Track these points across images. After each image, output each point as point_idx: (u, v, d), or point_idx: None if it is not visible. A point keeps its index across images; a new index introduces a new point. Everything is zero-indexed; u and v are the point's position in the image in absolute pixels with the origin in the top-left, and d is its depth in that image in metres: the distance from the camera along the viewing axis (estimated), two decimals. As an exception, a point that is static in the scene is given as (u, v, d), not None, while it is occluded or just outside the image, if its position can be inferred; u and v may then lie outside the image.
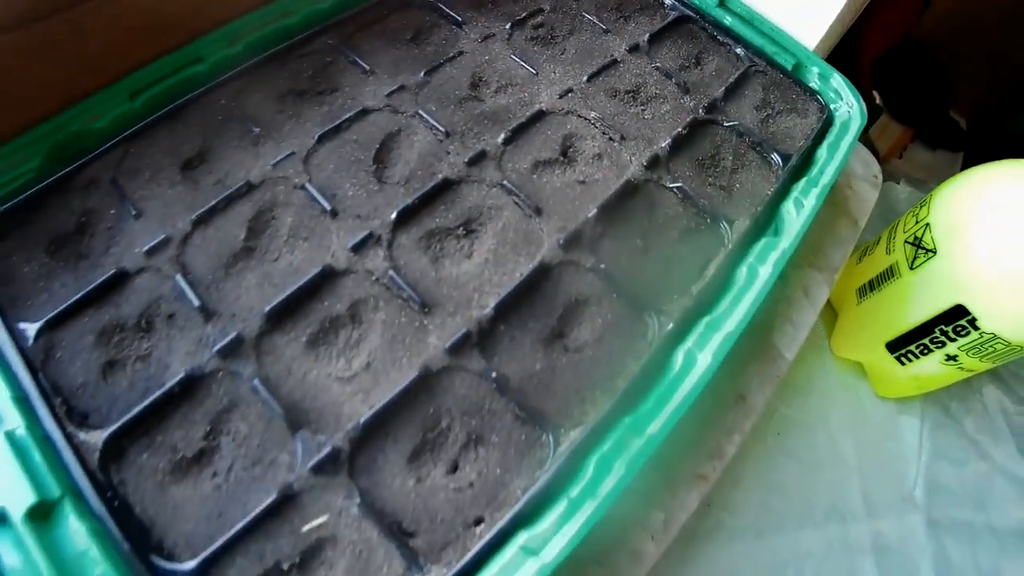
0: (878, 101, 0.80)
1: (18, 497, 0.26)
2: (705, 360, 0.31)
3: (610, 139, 0.38)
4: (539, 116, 0.38)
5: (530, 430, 0.29)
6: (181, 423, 0.29)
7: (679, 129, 0.39)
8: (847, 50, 0.75)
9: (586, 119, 0.39)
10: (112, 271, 0.31)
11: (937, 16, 0.81)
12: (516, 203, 0.35)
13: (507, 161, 0.36)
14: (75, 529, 0.26)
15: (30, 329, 0.30)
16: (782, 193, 0.38)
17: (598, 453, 0.28)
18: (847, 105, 0.42)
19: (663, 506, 0.37)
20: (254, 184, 0.34)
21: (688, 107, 0.40)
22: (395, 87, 0.38)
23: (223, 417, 0.29)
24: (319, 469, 0.28)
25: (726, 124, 0.40)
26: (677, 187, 0.37)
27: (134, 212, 0.33)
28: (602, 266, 0.33)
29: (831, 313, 0.67)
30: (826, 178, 0.38)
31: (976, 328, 0.49)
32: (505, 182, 0.35)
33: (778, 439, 0.60)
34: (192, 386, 0.29)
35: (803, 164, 0.40)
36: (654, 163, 0.37)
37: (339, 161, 0.35)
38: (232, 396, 0.29)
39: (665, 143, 0.38)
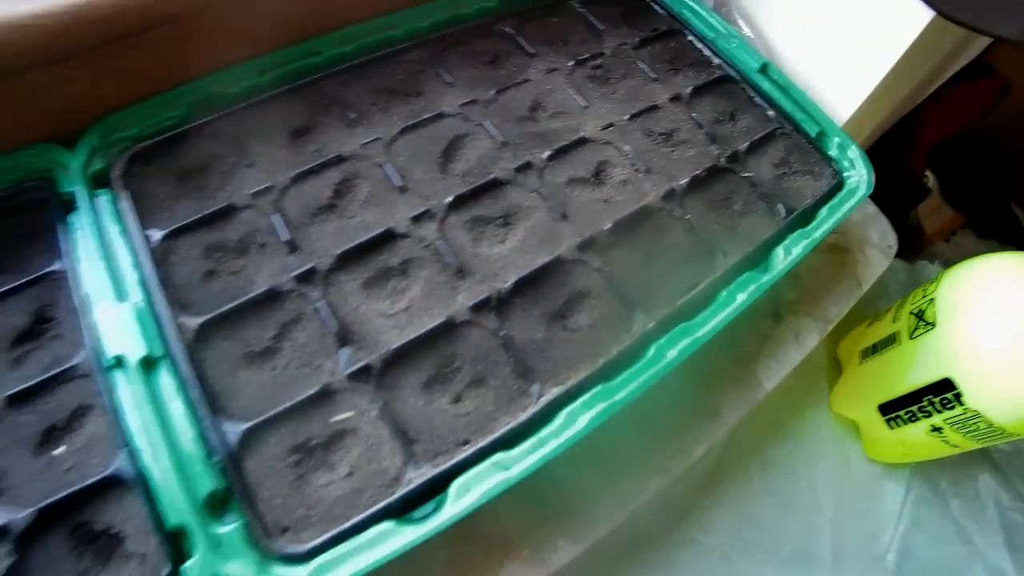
0: (930, 183, 0.82)
1: (134, 349, 0.34)
2: (671, 355, 0.37)
3: (636, 170, 0.45)
4: (581, 142, 0.46)
5: (522, 382, 0.36)
6: (257, 325, 0.37)
7: (698, 172, 0.46)
8: (907, 128, 0.78)
9: (620, 151, 0.46)
10: (224, 204, 0.40)
11: (1010, 109, 0.82)
12: (548, 208, 0.42)
13: (547, 174, 0.44)
14: (167, 382, 0.34)
15: (156, 234, 0.39)
16: (777, 239, 0.44)
17: (569, 407, 0.35)
18: (858, 175, 0.48)
19: (625, 484, 0.43)
20: (344, 157, 0.42)
21: (712, 155, 0.47)
22: (469, 99, 0.46)
23: (289, 327, 0.37)
24: (353, 377, 0.35)
25: (743, 175, 0.47)
26: (686, 218, 0.44)
27: (248, 162, 0.42)
28: (607, 269, 0.41)
29: (836, 372, 0.70)
30: (819, 233, 0.44)
31: (961, 403, 0.52)
32: (542, 190, 0.43)
33: (762, 475, 0.64)
34: (270, 299, 0.37)
35: (805, 219, 0.45)
36: (670, 196, 0.44)
37: (414, 150, 0.43)
38: (299, 312, 0.37)
39: (684, 181, 0.45)
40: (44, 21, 0.36)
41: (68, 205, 0.40)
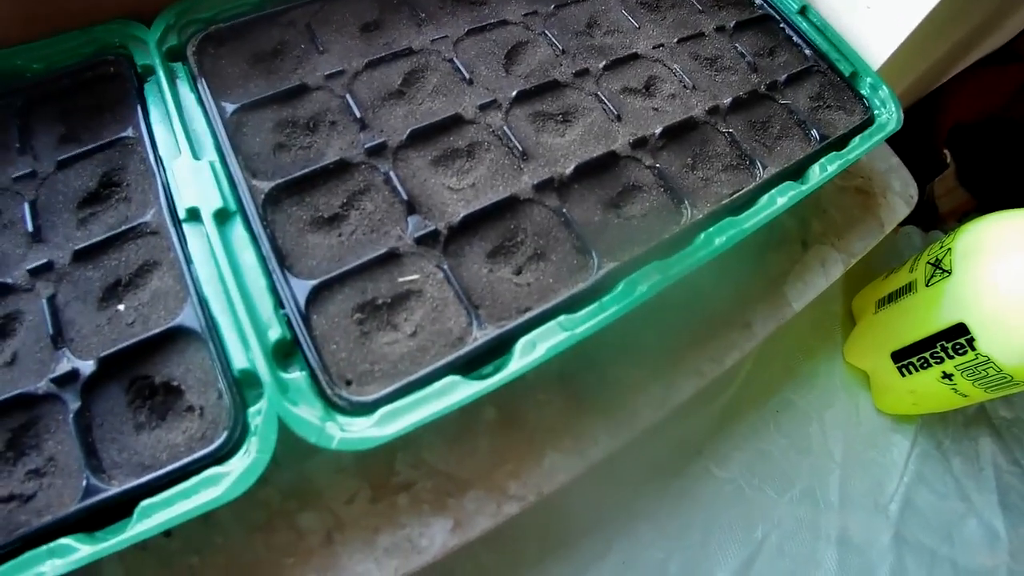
0: (948, 160, 0.84)
1: (209, 202, 0.36)
2: (720, 241, 0.39)
3: (684, 86, 0.47)
4: (634, 57, 0.48)
5: (580, 257, 0.38)
6: (326, 193, 0.38)
7: (740, 94, 0.48)
8: (931, 104, 0.81)
9: (669, 68, 0.48)
10: (296, 83, 0.41)
11: None
12: (603, 110, 0.44)
13: (603, 81, 0.46)
14: (239, 235, 0.36)
15: (229, 108, 0.40)
16: (814, 158, 0.46)
17: (626, 280, 0.37)
18: (887, 113, 0.50)
19: (664, 382, 0.45)
20: (414, 50, 0.44)
21: (753, 82, 0.49)
22: (531, 10, 0.48)
23: (358, 196, 0.38)
24: (421, 241, 0.37)
25: (781, 102, 0.49)
26: (728, 132, 0.46)
27: (320, 49, 0.43)
28: (658, 166, 0.42)
29: (850, 325, 0.73)
30: (852, 155, 0.46)
31: (973, 348, 0.54)
32: (599, 93, 0.45)
33: (776, 416, 0.66)
34: (340, 169, 0.39)
35: (838, 146, 0.47)
36: (714, 111, 0.46)
37: (479, 51, 0.45)
38: (368, 182, 0.39)
39: (727, 100, 0.47)
40: None
41: (143, 79, 0.42)
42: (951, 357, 0.57)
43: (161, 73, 0.40)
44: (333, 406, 0.32)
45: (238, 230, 0.36)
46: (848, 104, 0.51)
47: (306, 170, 0.38)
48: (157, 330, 0.33)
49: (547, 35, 0.47)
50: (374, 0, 0.46)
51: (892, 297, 0.65)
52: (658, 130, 0.44)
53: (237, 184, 0.37)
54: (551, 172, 0.40)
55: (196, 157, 0.38)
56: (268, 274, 0.35)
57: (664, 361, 0.45)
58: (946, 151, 0.83)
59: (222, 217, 0.36)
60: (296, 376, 0.32)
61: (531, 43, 0.47)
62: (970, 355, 0.55)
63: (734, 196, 0.42)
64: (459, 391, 0.32)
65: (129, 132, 0.40)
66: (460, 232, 0.38)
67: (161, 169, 0.38)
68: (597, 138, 0.43)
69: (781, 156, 0.46)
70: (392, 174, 0.38)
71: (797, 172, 0.45)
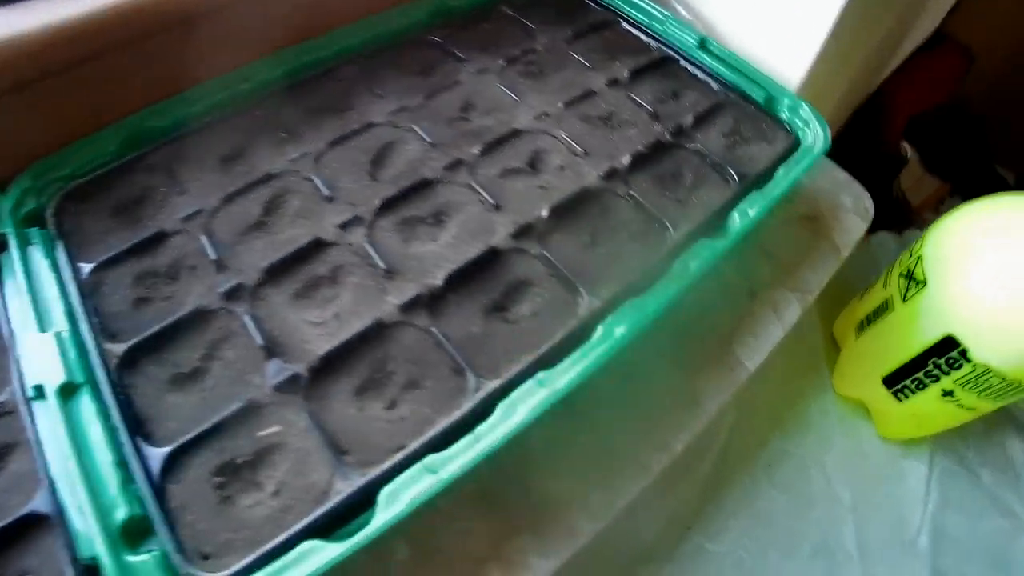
0: (908, 154, 0.82)
1: (53, 377, 0.34)
2: (620, 332, 0.35)
3: (574, 154, 0.44)
4: (514, 134, 0.45)
5: (459, 379, 0.35)
6: (185, 346, 0.36)
7: (640, 149, 0.45)
8: (879, 103, 0.79)
9: (555, 137, 0.45)
10: (155, 231, 0.40)
11: (984, 77, 0.84)
12: (480, 201, 0.41)
13: (479, 168, 0.43)
14: (87, 409, 0.33)
15: (87, 268, 0.38)
16: (732, 204, 0.42)
17: (508, 400, 0.33)
18: (813, 133, 0.47)
19: (603, 487, 0.41)
20: (273, 174, 0.42)
21: (655, 132, 0.46)
22: (398, 108, 0.46)
23: (218, 345, 0.36)
24: (280, 388, 0.34)
25: (690, 147, 0.46)
26: (631, 196, 0.43)
27: (179, 190, 0.42)
28: (546, 254, 0.39)
29: (836, 353, 0.68)
30: (777, 191, 0.42)
31: (968, 360, 0.49)
32: (472, 183, 0.42)
33: (769, 471, 0.61)
34: (198, 318, 0.37)
35: (762, 182, 0.44)
36: (612, 175, 0.43)
37: (343, 162, 0.43)
38: (227, 329, 0.36)
39: (625, 159, 0.44)
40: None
41: (-1, 248, 0.41)
42: (947, 373, 0.52)
43: (13, 244, 0.39)
44: (186, 585, 0.29)
45: (86, 404, 0.33)
46: (768, 133, 0.48)
47: (162, 325, 0.36)
48: (10, 519, 0.31)
49: (415, 130, 0.45)
50: (234, 128, 0.44)
51: (871, 318, 0.60)
52: (544, 211, 0.41)
53: (88, 352, 0.35)
54: (419, 287, 0.37)
55: (44, 329, 0.36)
56: (118, 447, 0.32)
57: (601, 463, 0.41)
58: (905, 144, 0.82)
59: (67, 392, 0.33)
60: (145, 558, 0.30)
61: (399, 142, 0.44)
62: (967, 368, 0.50)
63: (640, 270, 0.39)
64: (319, 556, 0.29)
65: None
66: (323, 371, 0.35)
67: (14, 345, 0.36)
68: (474, 235, 0.40)
69: (695, 209, 0.43)
70: (248, 317, 0.36)
71: (715, 225, 0.42)
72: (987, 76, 0.83)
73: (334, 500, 0.31)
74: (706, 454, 0.60)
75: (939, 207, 0.86)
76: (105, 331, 0.36)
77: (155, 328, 0.36)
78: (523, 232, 0.40)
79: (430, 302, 0.37)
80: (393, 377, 0.35)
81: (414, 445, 0.32)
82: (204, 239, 0.39)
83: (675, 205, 0.43)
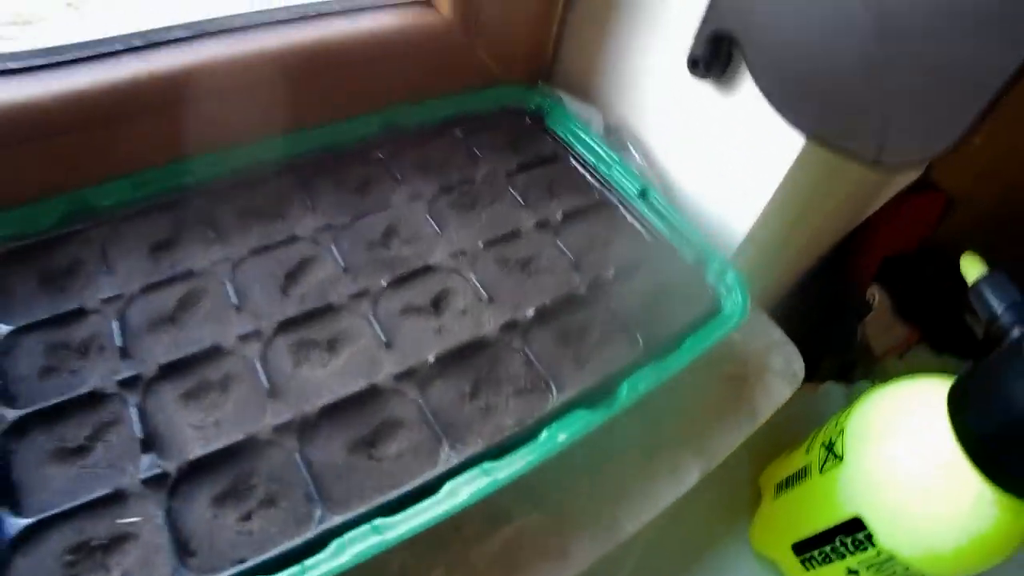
0: (875, 300, 0.81)
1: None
2: (463, 494, 0.38)
3: (479, 299, 0.48)
4: (426, 269, 0.49)
5: (310, 506, 0.39)
6: (76, 423, 0.40)
7: (547, 302, 0.48)
8: (855, 245, 0.80)
9: (465, 279, 0.49)
10: (77, 305, 0.44)
11: (961, 224, 0.83)
12: (373, 335, 0.45)
13: (384, 301, 0.47)
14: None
15: (5, 329, 0.42)
16: (627, 373, 0.43)
17: (345, 538, 0.37)
18: (732, 302, 0.48)
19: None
20: (195, 272, 0.46)
21: (572, 283, 0.49)
22: (324, 224, 0.50)
23: (106, 428, 0.40)
24: (148, 482, 0.38)
25: (605, 303, 0.48)
26: (524, 352, 0.46)
27: (107, 270, 0.46)
28: (421, 401, 0.43)
29: (758, 502, 0.66)
30: (676, 363, 0.44)
31: (874, 544, 0.48)
32: (370, 316, 0.46)
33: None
34: (93, 399, 0.41)
35: (666, 350, 0.45)
36: (511, 327, 0.46)
37: (260, 272, 0.47)
38: (117, 415, 0.40)
39: (529, 311, 0.47)
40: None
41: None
42: (852, 553, 0.51)
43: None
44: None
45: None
46: (690, 296, 0.50)
47: (62, 399, 0.40)
48: None
49: (333, 251, 0.49)
50: (171, 218, 0.49)
51: (789, 482, 0.59)
52: (432, 356, 0.45)
53: (-20, 417, 0.39)
54: (295, 412, 0.41)
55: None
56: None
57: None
58: (873, 289, 0.82)
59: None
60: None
61: (316, 260, 0.49)
62: (871, 552, 0.49)
63: (505, 433, 0.41)
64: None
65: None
66: (192, 474, 0.39)
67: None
68: (359, 369, 0.44)
69: (587, 373, 0.45)
70: (135, 409, 0.40)
71: (605, 391, 0.44)
72: (966, 224, 0.83)
73: (165, 603, 0.35)
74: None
75: (904, 355, 0.86)
76: (4, 394, 0.40)
77: (53, 400, 0.40)
78: (406, 375, 0.44)
79: (302, 427, 0.41)
80: (254, 491, 0.39)
81: (252, 562, 0.36)
82: (115, 324, 0.43)
83: (571, 365, 0.45)
